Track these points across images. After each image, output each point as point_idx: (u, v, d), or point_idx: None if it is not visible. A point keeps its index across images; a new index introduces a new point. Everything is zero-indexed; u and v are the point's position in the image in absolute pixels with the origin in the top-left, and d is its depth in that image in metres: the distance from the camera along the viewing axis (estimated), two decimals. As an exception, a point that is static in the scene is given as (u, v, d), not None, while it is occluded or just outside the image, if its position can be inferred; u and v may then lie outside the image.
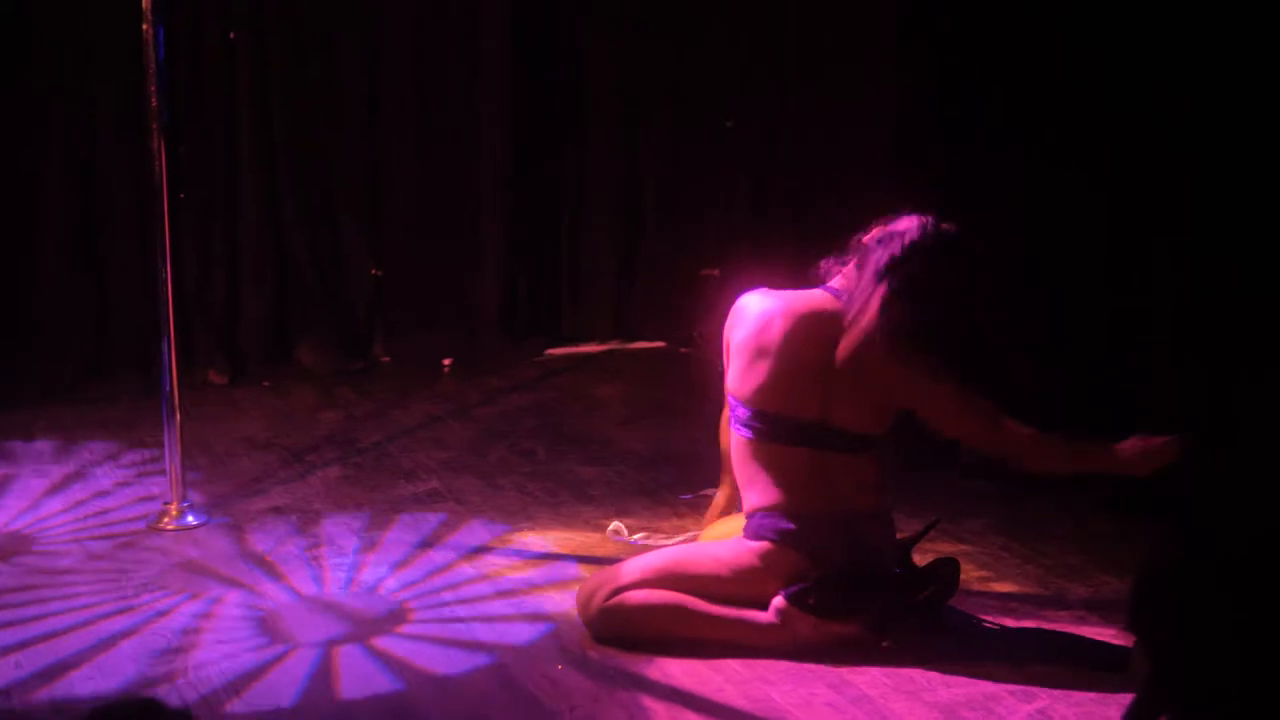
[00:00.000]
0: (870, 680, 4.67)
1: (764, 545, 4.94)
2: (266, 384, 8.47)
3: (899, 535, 5.19)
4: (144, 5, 6.04)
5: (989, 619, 5.14)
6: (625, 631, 4.92)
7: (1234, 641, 2.71)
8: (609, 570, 5.07)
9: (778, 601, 4.85)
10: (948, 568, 5.08)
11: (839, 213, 8.51)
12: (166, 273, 6.17)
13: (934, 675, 4.70)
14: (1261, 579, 2.73)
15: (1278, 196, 6.05)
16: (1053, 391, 6.51)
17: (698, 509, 6.01)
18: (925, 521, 5.39)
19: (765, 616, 4.87)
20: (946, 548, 5.73)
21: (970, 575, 5.50)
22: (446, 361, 8.74)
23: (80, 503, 6.51)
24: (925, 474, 6.61)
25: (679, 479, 6.62)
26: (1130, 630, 2.88)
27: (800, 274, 5.52)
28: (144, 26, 6.07)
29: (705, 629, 4.90)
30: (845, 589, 4.88)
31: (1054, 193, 6.79)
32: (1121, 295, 6.64)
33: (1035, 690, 4.59)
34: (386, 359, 8.89)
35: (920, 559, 5.15)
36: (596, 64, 9.03)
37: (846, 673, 4.72)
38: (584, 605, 5.02)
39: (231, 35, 8.59)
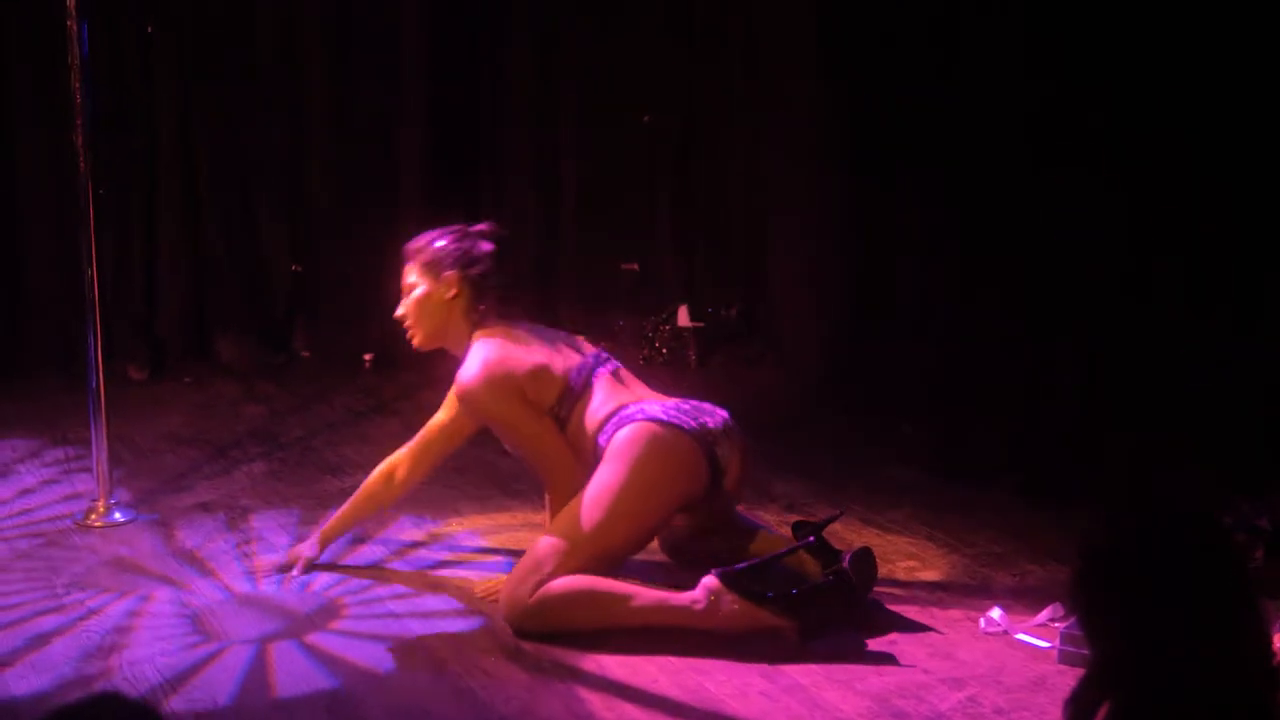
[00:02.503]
0: (802, 669, 4.71)
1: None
2: (188, 380, 8.46)
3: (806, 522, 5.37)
4: (68, 2, 6.02)
5: (917, 608, 5.20)
6: (551, 627, 4.95)
7: (1178, 625, 2.76)
8: (524, 567, 5.05)
9: (708, 580, 4.87)
10: (865, 559, 5.13)
11: (757, 205, 8.62)
12: (92, 270, 6.15)
13: (865, 664, 4.76)
14: (1203, 563, 2.79)
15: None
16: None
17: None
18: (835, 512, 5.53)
19: (690, 596, 4.88)
20: (871, 537, 5.80)
21: (897, 564, 5.58)
22: (368, 356, 8.73)
23: (5, 501, 6.47)
24: (846, 463, 6.71)
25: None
26: (1073, 612, 2.95)
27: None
28: (68, 22, 6.04)
29: (627, 617, 4.93)
30: (778, 575, 4.94)
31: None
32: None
33: (965, 678, 4.65)
34: (307, 354, 8.88)
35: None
36: (514, 56, 9.03)
37: (779, 661, 4.76)
38: (511, 606, 5.02)
39: (149, 29, 8.56)
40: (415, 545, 5.92)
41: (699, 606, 4.85)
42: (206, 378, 8.47)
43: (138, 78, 8.59)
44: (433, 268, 5.36)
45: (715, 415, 5.27)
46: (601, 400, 5.25)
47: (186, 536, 6.02)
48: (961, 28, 7.19)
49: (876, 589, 5.26)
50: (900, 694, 4.55)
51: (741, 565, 4.86)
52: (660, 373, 8.34)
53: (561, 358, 5.31)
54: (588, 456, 5.20)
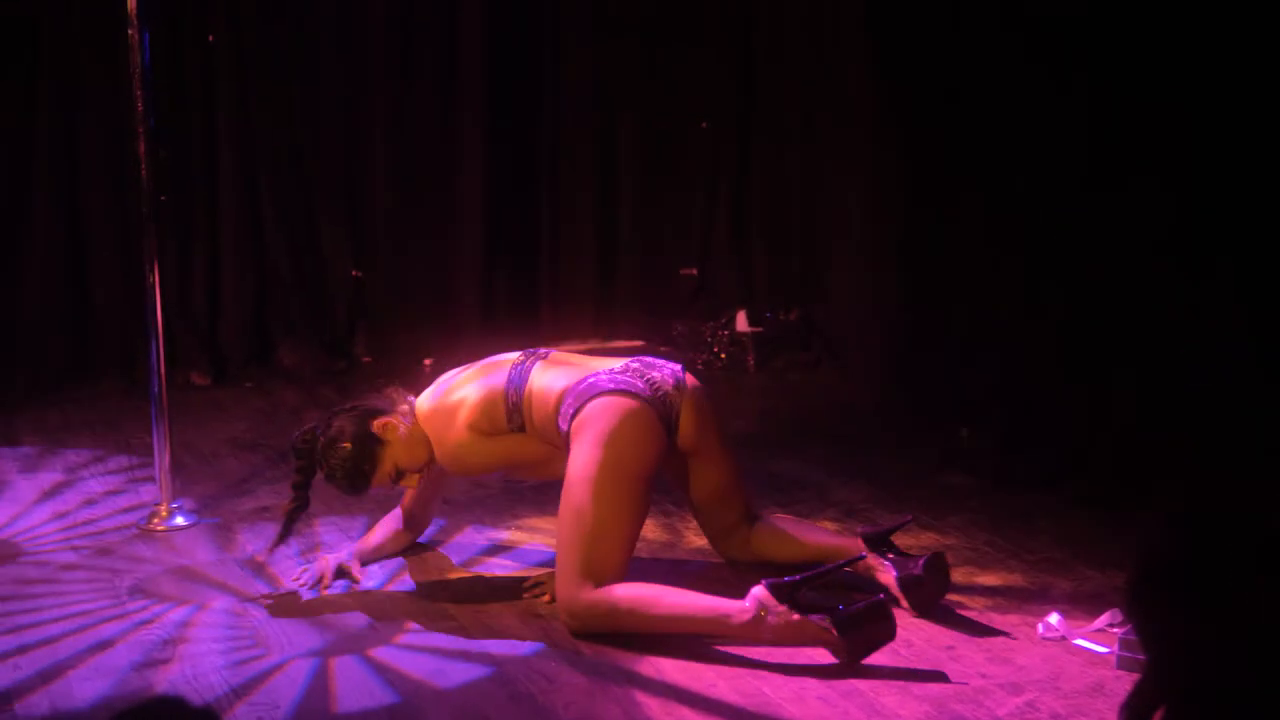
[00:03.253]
0: (861, 674, 4.71)
1: None
2: (249, 385, 8.52)
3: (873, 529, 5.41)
4: (129, 9, 6.06)
5: (975, 613, 5.20)
6: (606, 631, 4.99)
7: (1232, 633, 2.76)
8: (562, 574, 5.08)
9: (757, 590, 4.85)
10: (939, 564, 5.17)
11: (816, 210, 8.63)
12: (154, 276, 6.19)
13: (924, 669, 4.76)
14: (1259, 568, 2.79)
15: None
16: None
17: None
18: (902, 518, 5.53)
19: (739, 606, 4.87)
20: (929, 543, 5.80)
21: (955, 570, 5.56)
22: (427, 361, 8.76)
23: (69, 506, 6.53)
24: (905, 469, 6.71)
25: (662, 477, 6.66)
26: (1129, 619, 2.94)
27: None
28: (129, 31, 6.09)
29: (677, 625, 4.94)
30: (828, 587, 4.95)
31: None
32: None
33: (1023, 683, 4.65)
34: (368, 359, 8.93)
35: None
36: (573, 65, 9.06)
37: (837, 666, 4.76)
38: (564, 611, 5.06)
39: (210, 38, 8.62)
40: (475, 549, 5.94)
41: (746, 617, 4.84)
42: (268, 383, 8.53)
43: (198, 85, 8.65)
44: (374, 447, 5.31)
45: (665, 369, 5.36)
46: (545, 389, 5.30)
47: (248, 541, 6.06)
48: (1020, 35, 7.17)
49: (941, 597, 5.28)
50: (958, 699, 4.55)
51: (792, 578, 4.84)
52: (718, 378, 8.36)
53: (489, 379, 5.39)
54: (560, 443, 5.26)
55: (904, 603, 5.19)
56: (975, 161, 7.36)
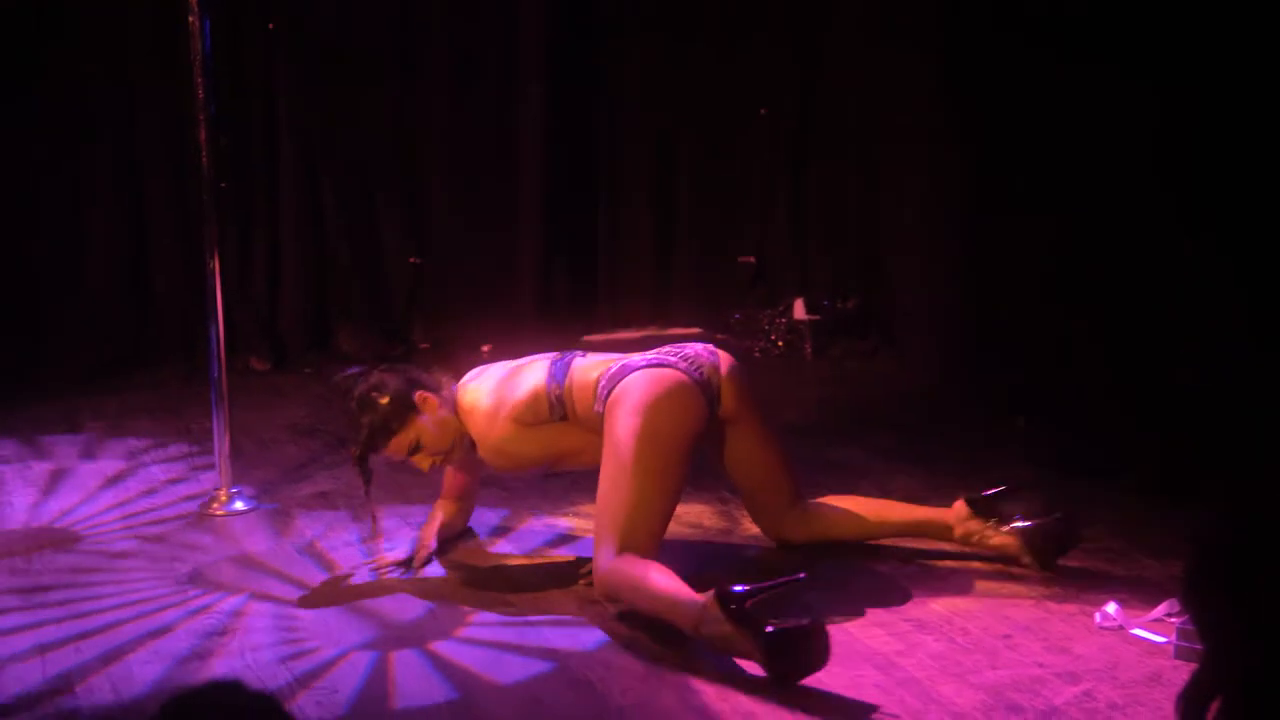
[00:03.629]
0: (917, 663, 4.72)
1: None
2: (308, 370, 8.57)
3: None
4: (190, -3, 6.11)
5: (1032, 602, 5.19)
6: (621, 597, 5.06)
7: None
8: (596, 543, 5.12)
9: (706, 596, 4.71)
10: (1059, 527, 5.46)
11: (874, 197, 8.62)
12: (214, 262, 6.23)
13: (980, 658, 4.75)
14: None
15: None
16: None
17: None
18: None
19: (692, 600, 4.77)
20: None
21: (1013, 559, 5.55)
22: (485, 347, 8.79)
23: (130, 491, 6.58)
24: (963, 457, 6.69)
25: (719, 464, 6.67)
26: (1185, 609, 2.94)
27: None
28: (190, 18, 6.12)
29: (655, 607, 4.91)
30: (780, 600, 4.78)
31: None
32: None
33: (1080, 672, 4.64)
34: (425, 345, 8.96)
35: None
36: (632, 51, 9.06)
37: (893, 655, 4.77)
38: (596, 579, 5.11)
39: (270, 25, 8.66)
40: (533, 536, 5.96)
41: (688, 620, 4.75)
42: (327, 369, 8.55)
43: (259, 73, 8.69)
44: (408, 415, 5.36)
45: (698, 348, 5.42)
46: (585, 377, 5.36)
47: (306, 526, 6.09)
48: (1084, 34, 7.16)
49: (990, 584, 5.29)
50: (1015, 688, 4.55)
51: (743, 587, 4.69)
52: (775, 365, 8.36)
53: (530, 375, 5.43)
54: (599, 427, 5.28)
55: (1025, 559, 5.40)
56: (1035, 155, 7.36)
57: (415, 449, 5.39)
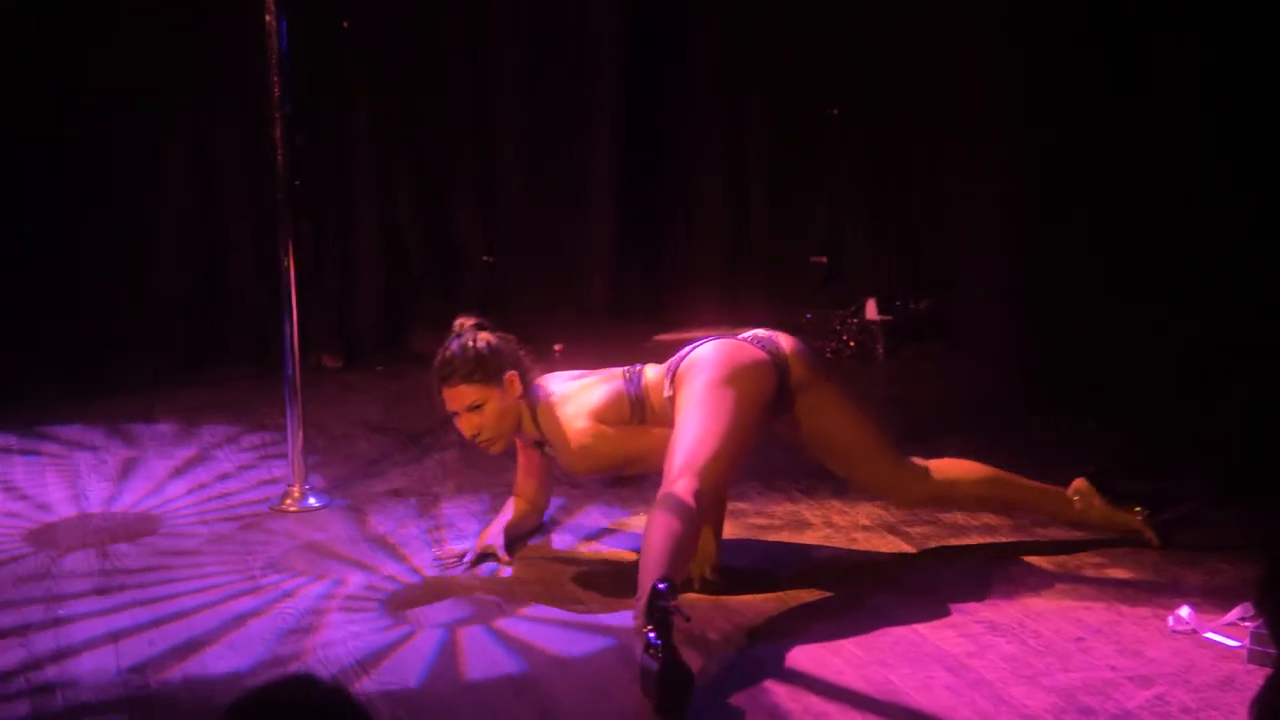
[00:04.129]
0: (989, 665, 4.70)
1: None
2: (379, 368, 8.59)
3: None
4: (268, -4, 6.14)
5: (1104, 605, 5.16)
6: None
7: None
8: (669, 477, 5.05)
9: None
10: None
11: (948, 198, 8.61)
12: (289, 259, 6.26)
13: (1052, 660, 4.73)
14: None
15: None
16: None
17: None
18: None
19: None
20: (1058, 533, 5.78)
21: (1085, 561, 5.54)
22: (557, 346, 8.80)
23: (203, 484, 6.63)
24: (1035, 459, 6.66)
25: (793, 463, 6.67)
26: (1261, 614, 2.92)
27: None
28: (267, 17, 6.15)
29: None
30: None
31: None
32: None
33: (1153, 676, 4.62)
34: (498, 344, 8.97)
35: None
36: (704, 53, 9.07)
37: (964, 656, 4.76)
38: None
39: (344, 24, 8.69)
40: (602, 533, 5.97)
41: (642, 591, 4.64)
42: (398, 366, 8.59)
43: (333, 72, 8.73)
44: (493, 377, 5.40)
45: (759, 331, 5.47)
46: (652, 377, 5.45)
47: (379, 522, 6.12)
48: (1160, 43, 7.15)
49: (1062, 586, 5.29)
50: (1087, 691, 4.53)
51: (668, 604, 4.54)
52: (847, 365, 8.35)
53: (607, 384, 5.48)
54: (671, 417, 5.32)
55: (1148, 534, 5.66)
56: (1108, 160, 7.34)
57: (474, 408, 5.38)
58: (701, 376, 5.22)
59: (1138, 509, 5.67)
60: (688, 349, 5.39)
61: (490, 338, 5.44)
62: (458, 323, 5.57)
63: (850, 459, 5.59)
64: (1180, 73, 7.05)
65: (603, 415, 5.40)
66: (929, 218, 8.84)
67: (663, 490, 4.96)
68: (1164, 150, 7.06)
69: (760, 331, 5.46)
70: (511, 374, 5.40)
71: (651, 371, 5.48)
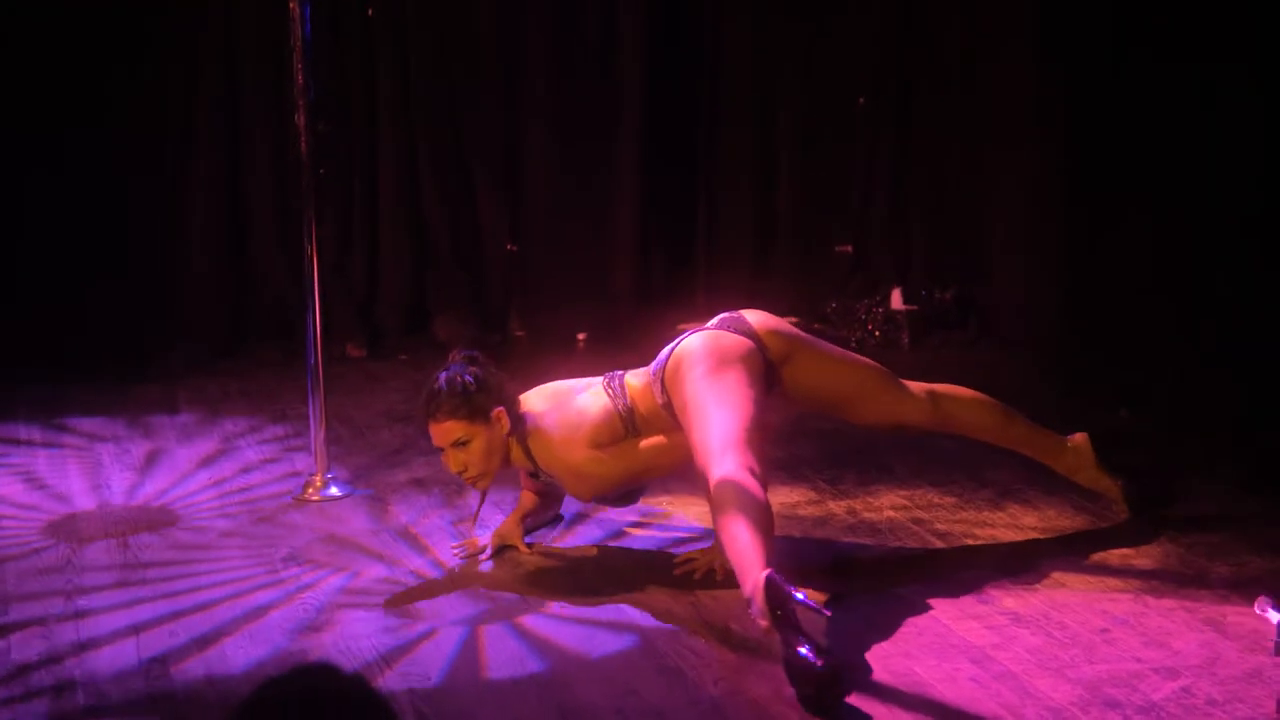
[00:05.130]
0: (1014, 656, 4.67)
1: None
2: (404, 357, 8.59)
3: None
4: (291, -16, 6.12)
5: (1131, 596, 5.13)
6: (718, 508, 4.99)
7: None
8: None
9: (762, 576, 4.58)
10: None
11: (975, 187, 8.57)
12: (312, 248, 6.24)
13: (1077, 652, 4.70)
14: None
15: None
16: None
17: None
18: None
19: (752, 575, 4.65)
20: (1084, 524, 5.77)
21: (1111, 552, 5.51)
22: (581, 336, 8.80)
23: (226, 475, 6.62)
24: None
25: (817, 454, 6.66)
26: None
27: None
28: (291, 4, 6.13)
29: (728, 539, 4.80)
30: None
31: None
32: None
33: (1179, 668, 4.59)
34: (521, 333, 8.95)
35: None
36: (732, 40, 9.04)
37: (989, 648, 4.73)
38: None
39: (370, 11, 8.68)
40: (626, 524, 5.95)
41: (745, 582, 4.62)
42: (422, 356, 8.57)
43: (358, 60, 8.71)
44: (479, 413, 5.32)
45: (724, 316, 5.47)
46: (637, 384, 5.41)
47: (401, 512, 6.11)
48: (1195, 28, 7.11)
49: (1087, 577, 5.26)
50: (1113, 683, 4.50)
51: (793, 591, 4.49)
52: (872, 355, 8.31)
53: (591, 401, 5.42)
54: (666, 417, 5.33)
55: (1117, 506, 5.83)
56: (1137, 149, 7.30)
57: (460, 444, 5.33)
58: (695, 370, 5.19)
59: (1119, 479, 5.78)
60: (666, 350, 5.36)
61: (478, 372, 5.37)
62: (450, 355, 5.52)
63: (851, 406, 5.61)
64: (1220, 62, 7.01)
65: (597, 439, 5.34)
66: (956, 206, 8.80)
67: (714, 480, 4.90)
68: (1201, 137, 7.02)
69: (726, 314, 5.45)
70: (499, 410, 5.33)
71: (634, 378, 5.43)
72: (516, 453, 5.40)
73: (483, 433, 5.31)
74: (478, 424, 5.30)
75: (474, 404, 5.30)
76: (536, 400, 5.48)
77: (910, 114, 8.92)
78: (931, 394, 5.68)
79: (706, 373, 5.18)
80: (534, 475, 5.55)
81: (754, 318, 5.43)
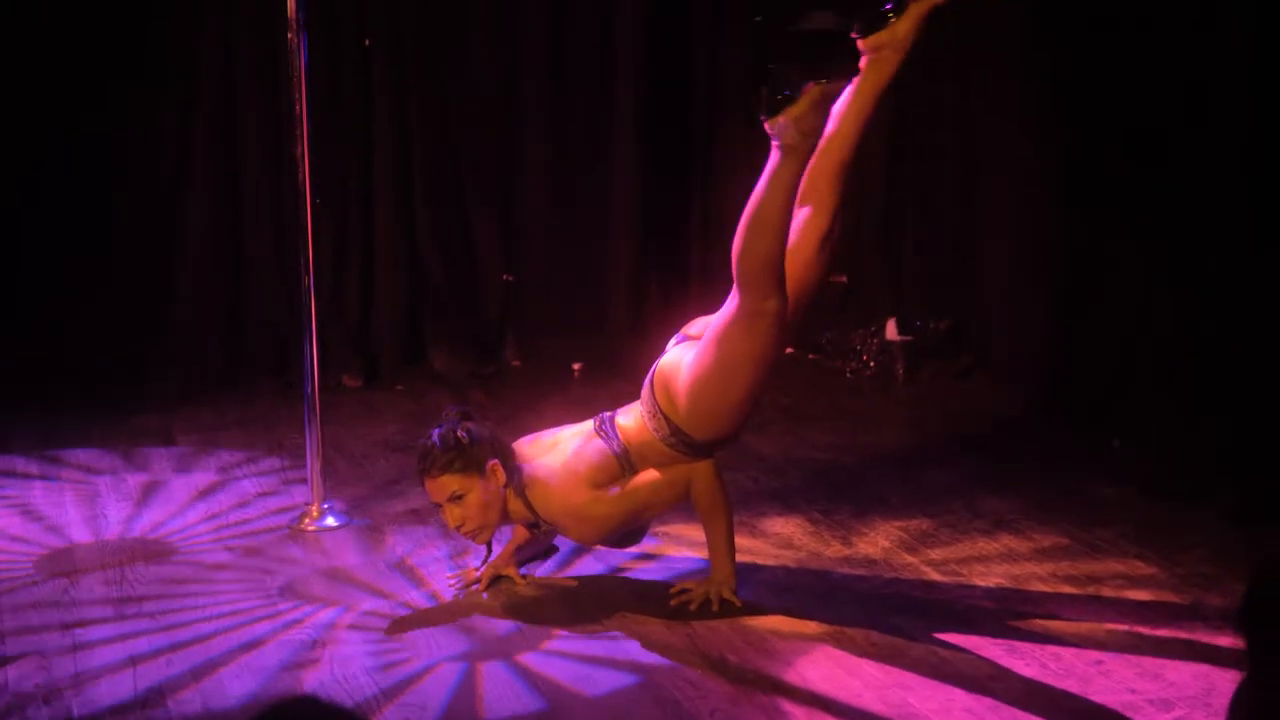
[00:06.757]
0: (1008, 687, 4.69)
1: None
2: (400, 387, 8.58)
3: None
4: (289, 14, 6.13)
5: (1125, 627, 5.15)
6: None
7: None
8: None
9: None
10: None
11: (968, 218, 8.59)
12: (309, 279, 6.26)
13: (1072, 683, 4.73)
14: None
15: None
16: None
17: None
18: None
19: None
20: (1079, 553, 5.78)
21: (1104, 582, 5.53)
22: (577, 366, 8.81)
23: (222, 505, 6.62)
24: (1055, 479, 6.65)
25: (812, 485, 6.68)
26: (1241, 635, 2.91)
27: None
28: (289, 35, 6.16)
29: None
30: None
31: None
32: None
33: (1174, 699, 4.60)
34: (517, 363, 8.96)
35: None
36: (728, 72, 9.05)
37: (984, 679, 4.75)
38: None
39: (367, 42, 8.71)
40: (622, 556, 5.93)
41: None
42: (418, 386, 8.59)
43: (355, 90, 8.73)
44: (473, 466, 5.33)
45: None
46: (630, 420, 5.46)
47: (398, 543, 6.12)
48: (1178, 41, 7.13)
49: (1081, 609, 5.30)
50: (1107, 714, 4.51)
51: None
52: (866, 386, 8.34)
53: (586, 446, 5.44)
54: (665, 454, 5.39)
55: None
56: (1134, 178, 7.32)
57: (456, 498, 5.33)
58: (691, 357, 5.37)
59: None
60: (650, 376, 5.46)
61: (471, 426, 5.38)
62: (443, 412, 5.55)
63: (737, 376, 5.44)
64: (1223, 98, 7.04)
65: (596, 480, 5.35)
66: (950, 237, 8.81)
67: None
68: (1196, 172, 7.03)
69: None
70: (494, 462, 5.34)
71: (625, 418, 5.46)
72: (515, 505, 5.40)
73: (478, 486, 5.32)
74: (473, 477, 5.31)
75: (468, 457, 5.31)
76: (529, 450, 5.50)
77: (902, 144, 8.93)
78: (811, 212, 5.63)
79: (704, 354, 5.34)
80: (535, 526, 5.55)
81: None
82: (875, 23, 5.32)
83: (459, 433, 5.34)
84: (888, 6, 5.30)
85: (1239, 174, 6.86)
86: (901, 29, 5.37)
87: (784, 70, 4.94)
